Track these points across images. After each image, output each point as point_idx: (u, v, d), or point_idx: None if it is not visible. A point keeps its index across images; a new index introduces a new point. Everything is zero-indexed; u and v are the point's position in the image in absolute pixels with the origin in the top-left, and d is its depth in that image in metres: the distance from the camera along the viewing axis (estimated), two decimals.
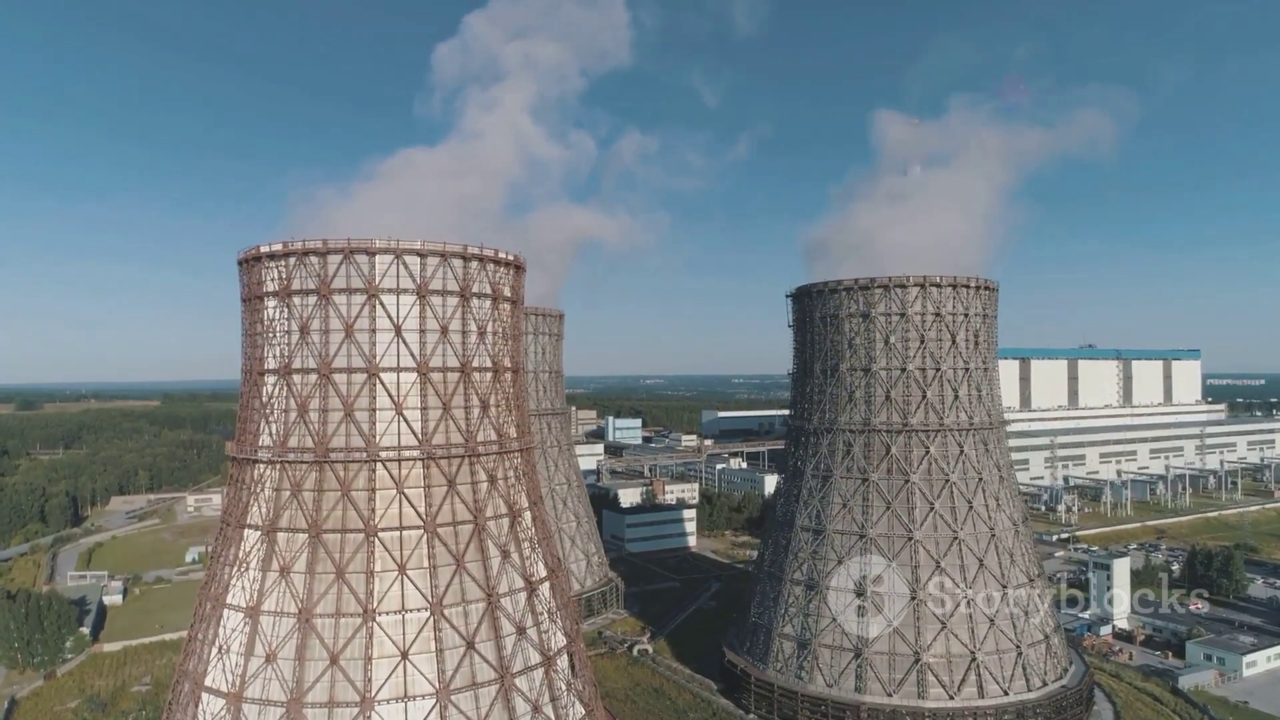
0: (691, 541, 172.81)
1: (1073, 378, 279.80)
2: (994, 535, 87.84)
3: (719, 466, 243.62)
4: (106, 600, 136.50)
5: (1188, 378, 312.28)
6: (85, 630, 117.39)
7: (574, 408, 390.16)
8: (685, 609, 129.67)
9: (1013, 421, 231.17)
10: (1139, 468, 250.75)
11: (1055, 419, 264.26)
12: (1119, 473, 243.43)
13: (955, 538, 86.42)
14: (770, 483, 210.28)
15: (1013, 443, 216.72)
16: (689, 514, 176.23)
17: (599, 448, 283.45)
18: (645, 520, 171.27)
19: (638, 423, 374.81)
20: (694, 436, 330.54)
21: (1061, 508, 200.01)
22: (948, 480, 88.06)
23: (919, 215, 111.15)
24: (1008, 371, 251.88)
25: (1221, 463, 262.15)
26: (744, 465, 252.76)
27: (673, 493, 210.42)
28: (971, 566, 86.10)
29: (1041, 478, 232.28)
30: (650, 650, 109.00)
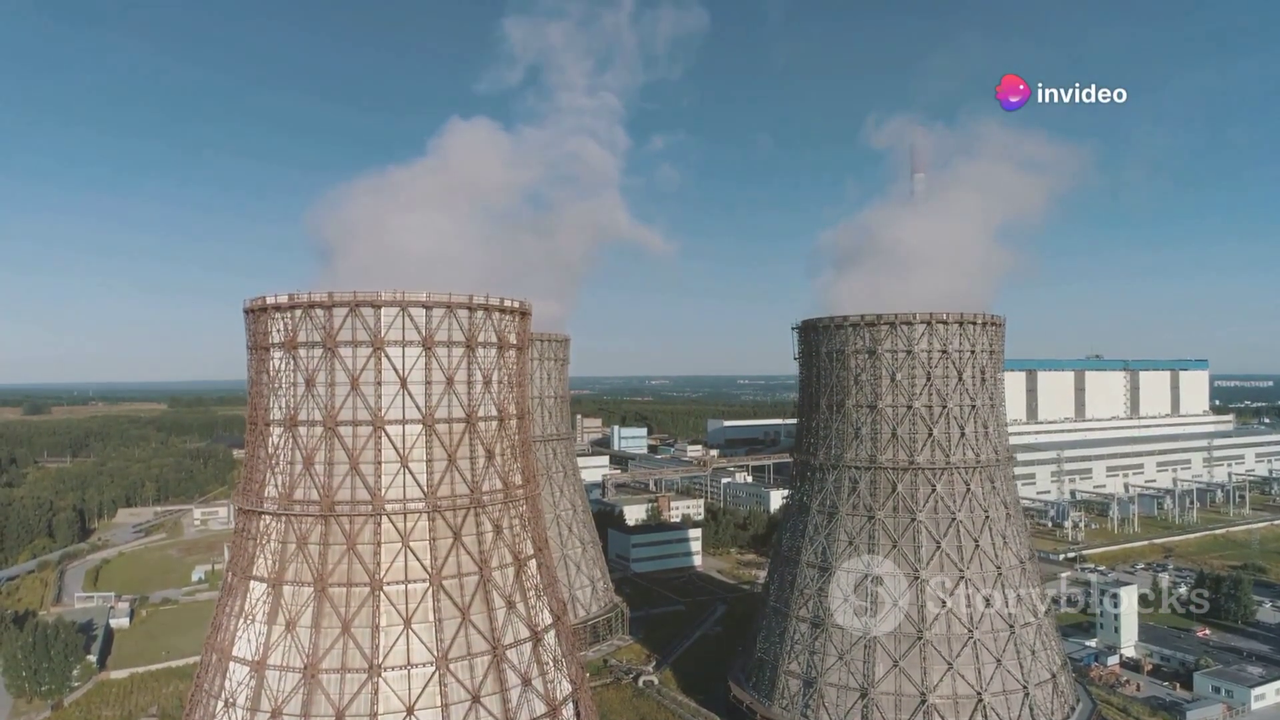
0: (697, 561, 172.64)
1: (1080, 389, 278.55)
2: (1001, 574, 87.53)
3: (724, 481, 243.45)
4: (113, 623, 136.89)
5: (1195, 388, 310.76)
6: (92, 658, 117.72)
7: (580, 415, 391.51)
8: (690, 635, 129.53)
9: (1019, 434, 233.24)
10: (1146, 481, 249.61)
11: (1062, 431, 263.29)
12: (1126, 486, 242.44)
13: (962, 577, 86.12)
14: (775, 498, 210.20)
15: (1019, 457, 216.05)
16: (694, 533, 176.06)
17: (604, 459, 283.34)
18: (651, 540, 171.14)
19: (643, 431, 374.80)
20: (699, 446, 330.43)
21: (1068, 524, 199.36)
22: (954, 519, 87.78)
23: (926, 229, 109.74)
24: (1014, 383, 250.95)
25: (1230, 475, 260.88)
26: (749, 479, 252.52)
27: (678, 509, 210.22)
28: (978, 606, 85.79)
29: (1048, 492, 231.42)
30: (656, 681, 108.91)
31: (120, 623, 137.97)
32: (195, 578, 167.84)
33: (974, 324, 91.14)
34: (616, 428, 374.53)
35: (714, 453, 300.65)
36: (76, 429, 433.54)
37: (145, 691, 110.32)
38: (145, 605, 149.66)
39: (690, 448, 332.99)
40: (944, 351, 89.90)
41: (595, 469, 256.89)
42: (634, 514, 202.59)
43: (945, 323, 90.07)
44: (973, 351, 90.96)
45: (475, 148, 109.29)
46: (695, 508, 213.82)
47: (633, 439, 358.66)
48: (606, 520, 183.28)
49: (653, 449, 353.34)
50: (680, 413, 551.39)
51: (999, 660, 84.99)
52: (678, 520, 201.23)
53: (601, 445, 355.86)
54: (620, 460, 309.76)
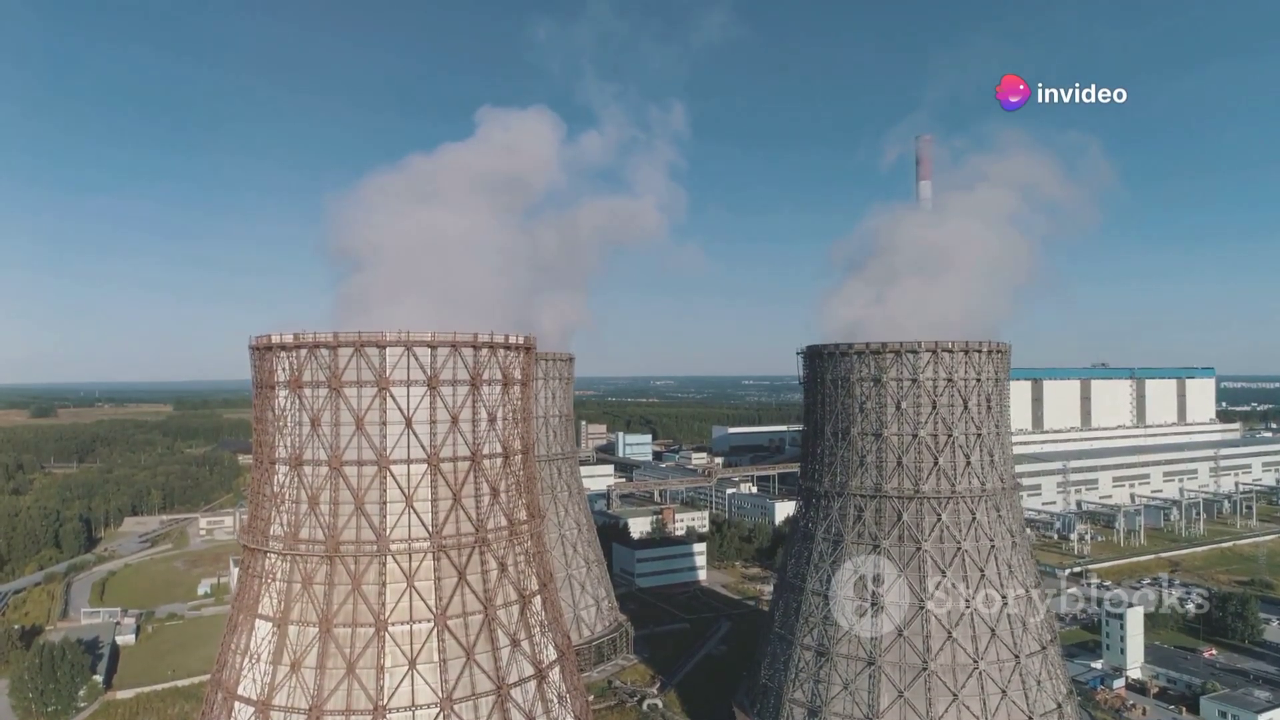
0: (701, 575, 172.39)
1: (1085, 398, 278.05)
2: (1006, 604, 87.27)
3: (729, 491, 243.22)
4: (119, 640, 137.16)
5: (1202, 396, 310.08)
6: (98, 678, 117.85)
7: (584, 422, 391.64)
8: (694, 654, 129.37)
9: (1025, 444, 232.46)
10: (1153, 491, 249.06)
11: (1068, 440, 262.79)
12: (1133, 497, 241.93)
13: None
14: (780, 510, 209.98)
15: (1025, 467, 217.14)
16: (699, 547, 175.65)
17: (609, 468, 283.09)
18: (655, 555, 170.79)
19: (648, 438, 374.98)
20: (704, 454, 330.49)
21: (1074, 537, 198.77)
22: (959, 548, 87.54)
23: (929, 240, 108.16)
24: (1020, 392, 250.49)
25: (1236, 485, 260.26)
26: (754, 490, 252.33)
27: (682, 521, 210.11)
28: (983, 636, 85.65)
29: (1054, 503, 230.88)
30: (660, 704, 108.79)
31: (126, 639, 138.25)
32: (201, 591, 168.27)
33: (979, 352, 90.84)
34: (621, 434, 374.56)
35: (718, 461, 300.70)
36: (83, 434, 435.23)
37: (151, 712, 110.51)
38: (151, 620, 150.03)
39: (695, 455, 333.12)
40: (949, 380, 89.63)
41: (600, 478, 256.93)
42: (638, 527, 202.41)
43: (950, 351, 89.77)
44: (978, 379, 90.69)
45: (483, 147, 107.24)
46: (700, 520, 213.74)
47: (637, 446, 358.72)
48: (611, 533, 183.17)
49: (657, 456, 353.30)
50: (685, 416, 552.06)
51: (1004, 691, 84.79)
52: (682, 532, 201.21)
53: (606, 452, 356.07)
54: (625, 468, 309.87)
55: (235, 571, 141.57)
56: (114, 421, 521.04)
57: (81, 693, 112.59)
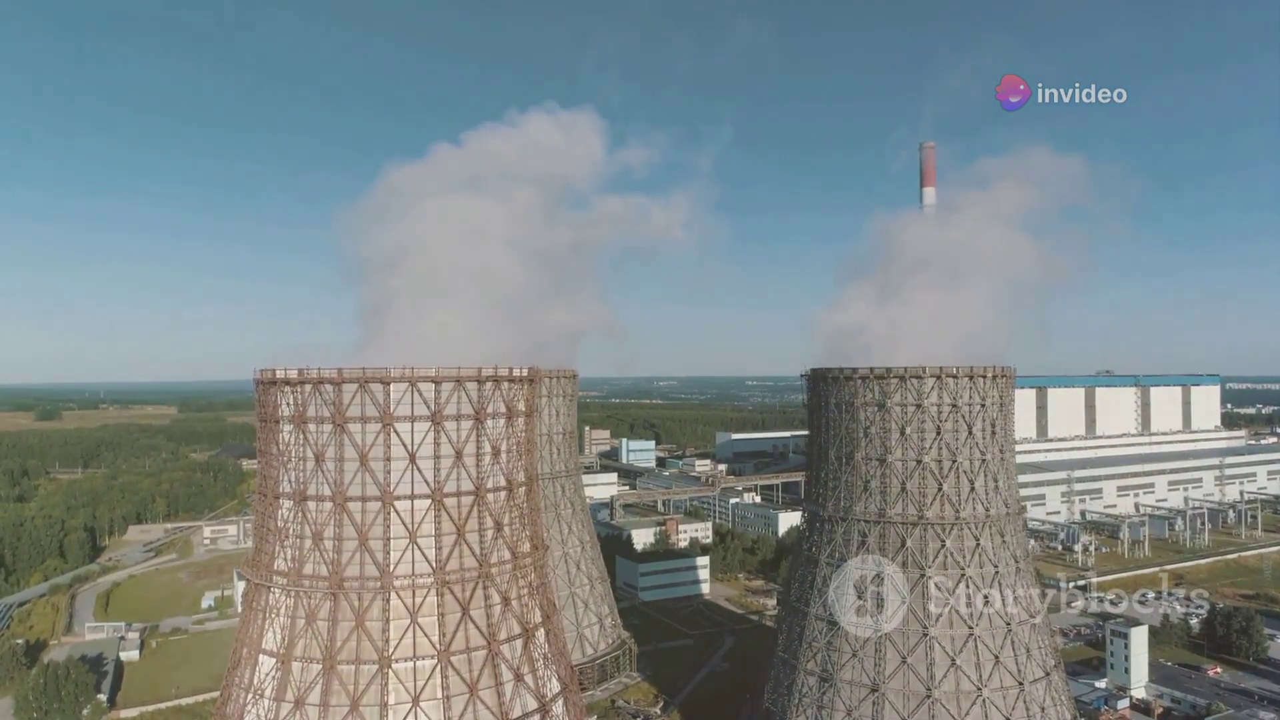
0: (705, 589, 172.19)
1: (1090, 406, 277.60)
2: (1010, 630, 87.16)
3: (733, 501, 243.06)
4: (123, 656, 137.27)
5: (1206, 403, 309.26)
6: (102, 696, 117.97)
7: (588, 427, 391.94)
8: (698, 672, 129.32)
9: (1029, 453, 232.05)
10: (1157, 500, 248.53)
11: (1072, 448, 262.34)
12: (1137, 506, 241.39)
13: (971, 634, 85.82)
14: (784, 521, 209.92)
15: (1029, 477, 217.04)
16: (702, 561, 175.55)
17: (612, 476, 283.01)
18: (659, 569, 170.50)
19: (651, 445, 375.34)
20: (708, 461, 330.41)
21: (1078, 548, 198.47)
22: (963, 574, 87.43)
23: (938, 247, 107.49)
24: (1024, 401, 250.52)
25: (1241, 494, 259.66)
26: (758, 499, 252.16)
27: (685, 532, 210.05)
28: (987, 663, 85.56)
29: (1058, 513, 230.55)
30: None
31: (130, 655, 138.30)
32: (205, 604, 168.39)
33: (984, 377, 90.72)
34: (625, 441, 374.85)
35: (722, 468, 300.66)
36: (87, 439, 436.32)
37: None
38: (155, 635, 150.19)
39: (699, 462, 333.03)
40: (954, 405, 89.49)
41: (604, 486, 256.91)
42: (642, 538, 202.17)
43: (955, 376, 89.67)
44: (983, 405, 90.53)
45: (486, 148, 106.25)
46: (703, 530, 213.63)
47: (641, 452, 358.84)
48: (614, 545, 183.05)
49: (660, 462, 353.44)
50: (689, 419, 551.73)
51: (1008, 718, 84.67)
52: (686, 544, 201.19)
53: (610, 458, 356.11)
54: (628, 474, 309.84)
55: (239, 585, 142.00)
56: (119, 425, 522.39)
57: (86, 712, 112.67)
